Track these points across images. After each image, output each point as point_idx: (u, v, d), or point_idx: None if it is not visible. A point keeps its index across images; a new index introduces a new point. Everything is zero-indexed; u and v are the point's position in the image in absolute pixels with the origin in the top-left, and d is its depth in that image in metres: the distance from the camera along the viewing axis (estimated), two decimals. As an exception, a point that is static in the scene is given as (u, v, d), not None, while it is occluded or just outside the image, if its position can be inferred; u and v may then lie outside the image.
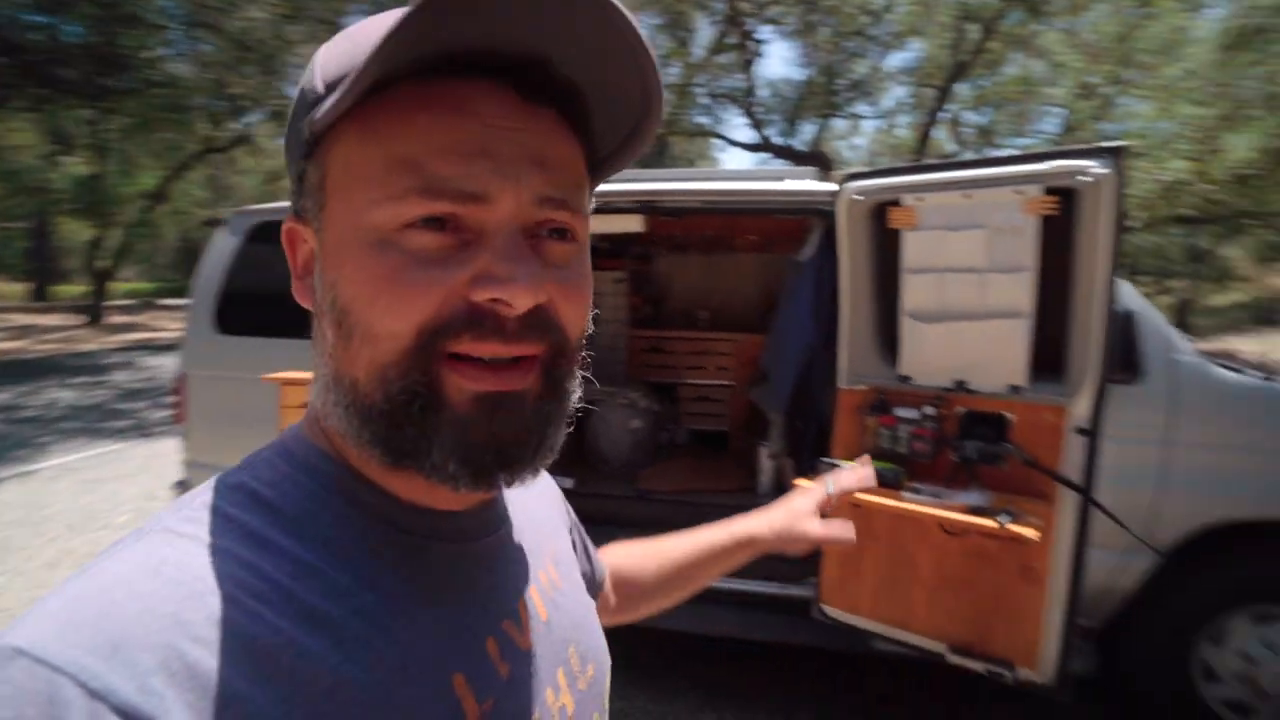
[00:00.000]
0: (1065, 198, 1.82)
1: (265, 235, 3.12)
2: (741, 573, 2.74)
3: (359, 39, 0.38)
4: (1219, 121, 8.47)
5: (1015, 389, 2.02)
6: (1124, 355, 2.24)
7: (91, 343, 14.33)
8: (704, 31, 14.98)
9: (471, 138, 0.36)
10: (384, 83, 0.34)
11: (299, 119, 0.39)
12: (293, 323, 2.96)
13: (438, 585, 0.42)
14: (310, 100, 0.38)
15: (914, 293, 2.10)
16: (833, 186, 2.19)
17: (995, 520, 1.78)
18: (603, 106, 0.40)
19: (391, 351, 0.36)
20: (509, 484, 0.39)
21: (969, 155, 15.13)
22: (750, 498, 3.23)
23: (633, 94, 0.39)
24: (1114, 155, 1.72)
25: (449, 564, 0.43)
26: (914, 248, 2.07)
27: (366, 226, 0.36)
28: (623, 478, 3.51)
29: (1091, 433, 1.87)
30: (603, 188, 2.64)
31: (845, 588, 2.28)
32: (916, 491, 1.99)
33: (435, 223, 0.36)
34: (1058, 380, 1.99)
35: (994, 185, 1.88)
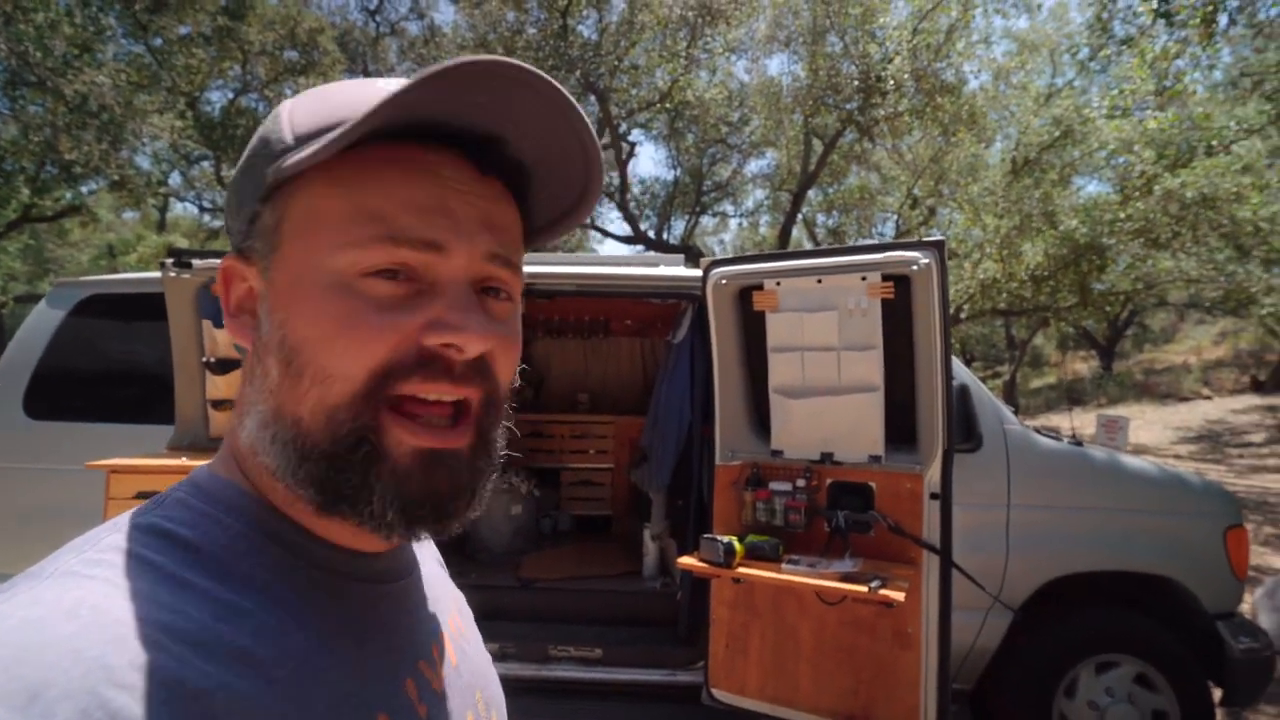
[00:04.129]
0: (901, 284, 2.04)
1: (96, 309, 2.80)
2: (629, 661, 2.63)
3: (334, 100, 0.40)
4: (1014, 231, 10.00)
5: (875, 459, 2.16)
6: (964, 426, 2.48)
7: None
8: (579, 132, 15.80)
9: (433, 196, 0.39)
10: (356, 141, 0.37)
11: (259, 164, 0.40)
12: (123, 405, 2.64)
13: (361, 625, 0.42)
14: (277, 149, 0.39)
15: (779, 370, 2.24)
16: (700, 272, 2.33)
17: (867, 586, 1.86)
18: (545, 185, 0.45)
19: (342, 394, 0.38)
20: (438, 534, 0.42)
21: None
22: (635, 581, 3.17)
23: (574, 180, 0.44)
24: (936, 248, 1.97)
25: (370, 604, 0.44)
26: (777, 328, 2.22)
27: (327, 270, 0.38)
28: (504, 566, 3.33)
29: (944, 497, 2.03)
30: None
31: (733, 668, 2.25)
32: (794, 563, 2.04)
33: (391, 273, 0.39)
34: (912, 450, 2.16)
35: (841, 272, 2.08)
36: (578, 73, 12.08)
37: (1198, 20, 5.50)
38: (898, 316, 2.08)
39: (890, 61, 9.66)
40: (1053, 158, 10.20)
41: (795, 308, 2.18)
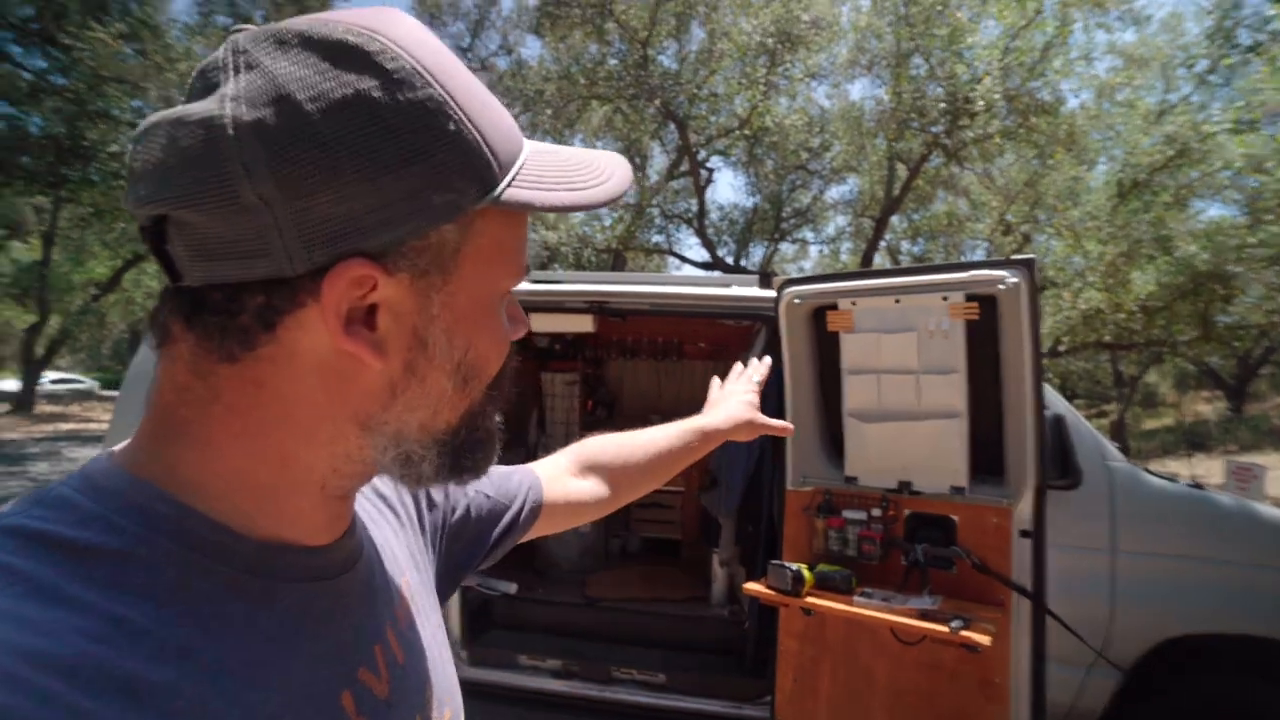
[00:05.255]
0: (986, 305, 1.93)
1: None
2: (692, 689, 2.56)
3: (504, 121, 0.40)
4: (1121, 258, 9.30)
5: (958, 490, 2.04)
6: (1059, 459, 2.30)
7: (14, 431, 13.39)
8: (658, 158, 16.08)
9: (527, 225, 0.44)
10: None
11: (451, 174, 0.36)
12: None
13: (290, 634, 0.39)
14: (481, 168, 0.37)
15: (854, 393, 2.15)
16: (773, 292, 2.29)
17: (948, 626, 1.73)
18: None
19: (481, 393, 0.43)
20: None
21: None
22: (702, 606, 3.10)
23: None
24: (1025, 266, 1.86)
25: (304, 608, 0.40)
26: (852, 349, 2.14)
27: (496, 295, 0.42)
28: (571, 583, 3.34)
29: (1036, 536, 1.88)
30: (554, 288, 2.65)
31: (801, 706, 2.15)
32: (868, 596, 1.93)
33: None
34: (998, 482, 2.02)
35: (921, 291, 1.99)
36: (657, 101, 12.31)
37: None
38: (983, 340, 1.96)
39: (979, 82, 9.31)
40: (1166, 179, 9.46)
41: (872, 328, 2.10)
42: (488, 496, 0.68)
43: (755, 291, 2.84)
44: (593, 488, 0.80)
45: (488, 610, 2.95)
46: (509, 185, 0.38)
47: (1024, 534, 1.94)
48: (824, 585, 1.98)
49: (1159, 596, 2.28)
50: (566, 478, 0.79)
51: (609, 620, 2.95)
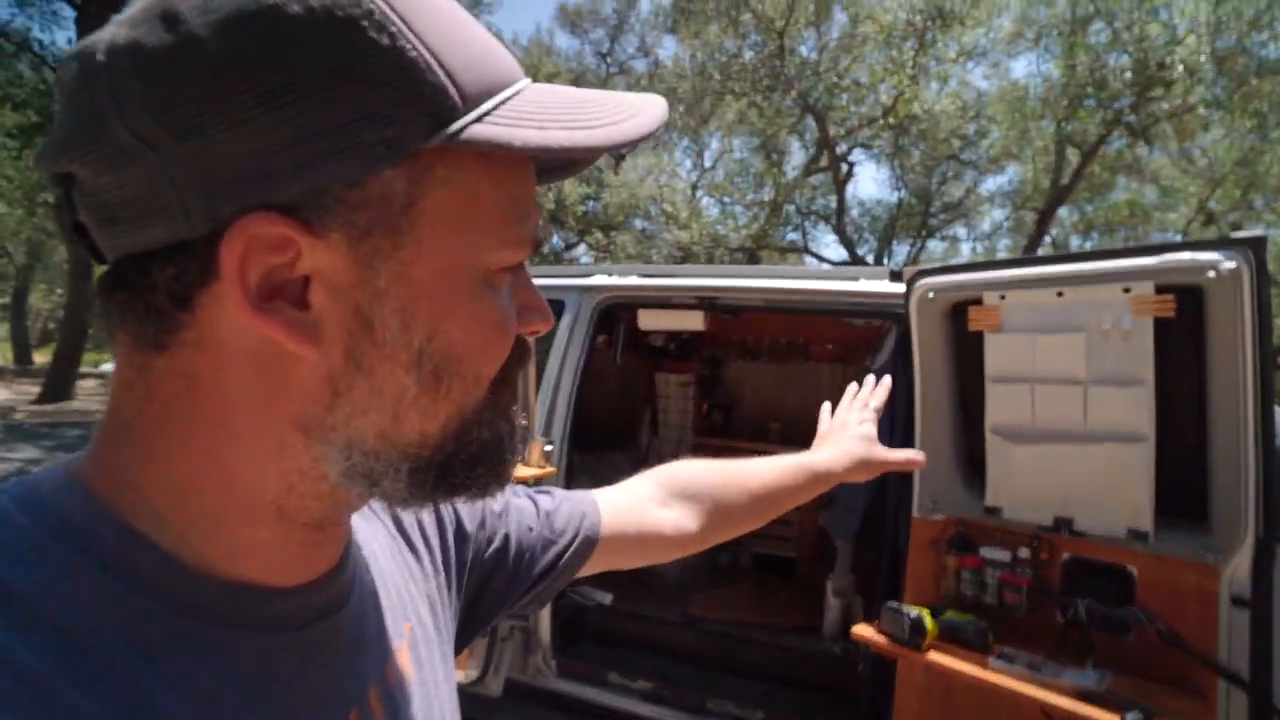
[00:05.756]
0: (1187, 299, 1.49)
1: None
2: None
3: (484, 49, 0.33)
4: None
5: (1139, 535, 1.60)
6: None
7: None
8: (796, 153, 15.49)
9: (533, 186, 0.36)
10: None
11: (389, 103, 0.29)
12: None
13: (242, 700, 0.32)
14: (432, 97, 0.29)
15: (1000, 406, 1.77)
16: (904, 286, 1.95)
17: (1121, 715, 1.34)
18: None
19: (478, 396, 0.35)
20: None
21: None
22: (814, 639, 2.78)
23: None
24: (1249, 247, 1.41)
25: (262, 665, 0.33)
26: (999, 353, 1.76)
27: (481, 268, 0.33)
28: (672, 600, 3.15)
29: (1257, 607, 1.43)
30: (660, 282, 2.45)
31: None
32: (1007, 659, 1.56)
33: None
34: (1198, 529, 1.57)
35: (1094, 282, 1.58)
36: (793, 92, 11.83)
37: None
38: (1180, 343, 1.53)
39: (1179, 43, 7.98)
40: None
41: (1025, 328, 1.72)
42: (530, 529, 0.59)
43: (884, 286, 2.48)
44: (678, 520, 0.70)
45: (581, 619, 2.83)
46: (477, 121, 0.30)
47: (1238, 602, 1.49)
48: (952, 637, 1.63)
49: None
50: (648, 505, 0.70)
51: (710, 644, 2.73)
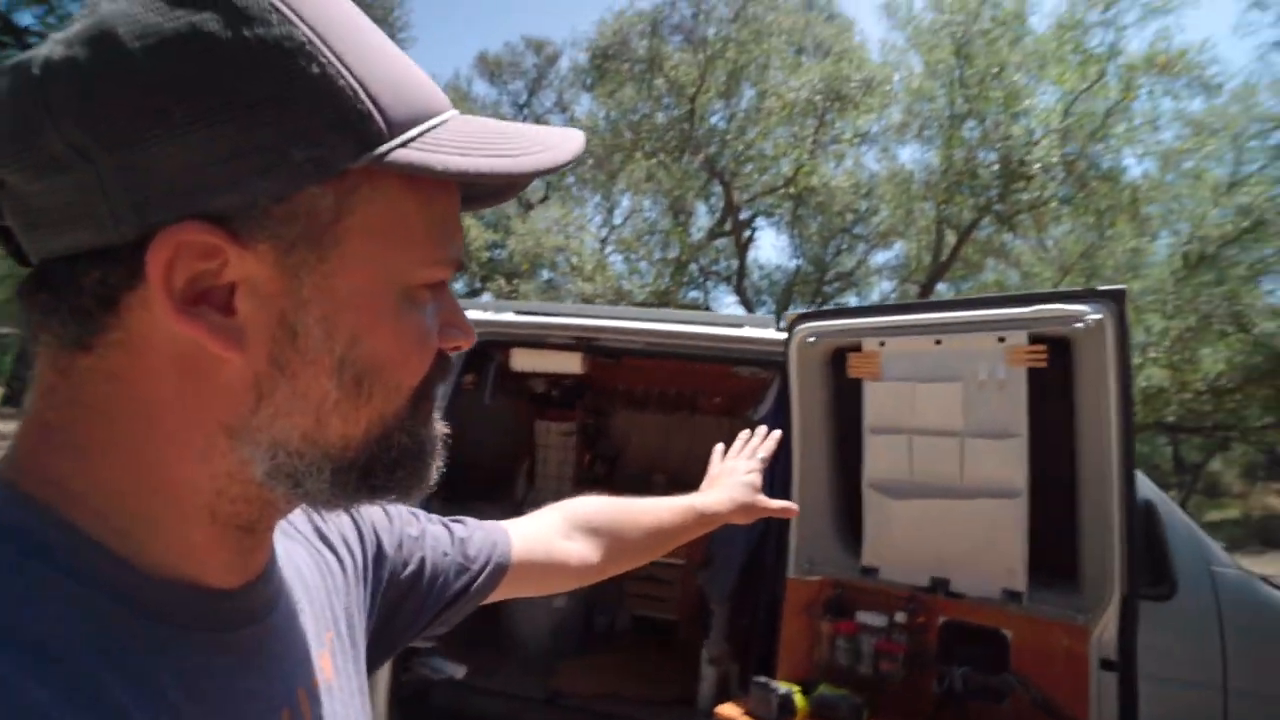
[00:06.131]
0: (1057, 350, 1.46)
1: None
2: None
3: (406, 77, 0.34)
4: (1189, 333, 8.68)
5: (1013, 595, 1.53)
6: (1150, 561, 1.77)
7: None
8: (703, 216, 16.02)
9: (457, 206, 0.38)
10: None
11: (320, 132, 0.30)
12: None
13: (182, 700, 0.32)
14: (357, 122, 0.31)
15: (878, 458, 1.68)
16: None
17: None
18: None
19: (399, 404, 0.36)
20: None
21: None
22: (690, 715, 2.55)
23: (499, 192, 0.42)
24: (1113, 300, 1.40)
25: (202, 665, 0.34)
26: (878, 402, 1.68)
27: (404, 283, 0.35)
28: (535, 671, 2.84)
29: (1124, 669, 1.36)
30: (535, 320, 2.30)
31: None
32: (883, 737, 1.42)
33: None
34: (1068, 588, 1.51)
35: (971, 330, 1.54)
36: (701, 156, 12.27)
37: None
38: (1051, 395, 1.49)
39: (1035, 144, 8.91)
40: (1239, 254, 8.83)
41: (904, 376, 1.65)
42: (445, 554, 0.61)
43: (769, 334, 2.41)
44: (580, 552, 0.73)
45: (425, 698, 2.47)
46: (402, 145, 0.32)
47: (1106, 665, 1.42)
48: (824, 715, 1.47)
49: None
50: (554, 536, 0.72)
51: (571, 721, 2.44)
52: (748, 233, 14.92)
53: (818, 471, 1.83)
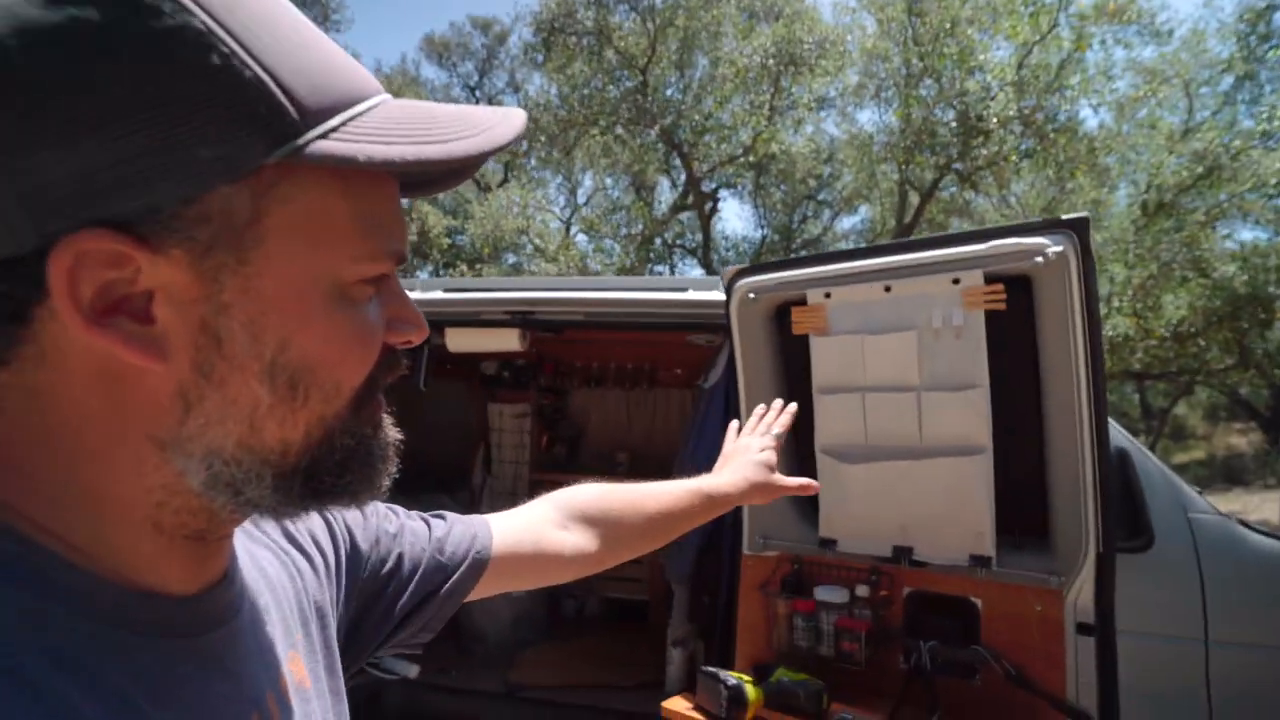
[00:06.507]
0: (1017, 288, 1.32)
1: None
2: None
3: (327, 62, 0.32)
4: (1150, 281, 8.76)
5: (981, 560, 1.40)
6: (1125, 512, 1.66)
7: None
8: (666, 191, 15.78)
9: (396, 200, 0.37)
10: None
11: (227, 128, 0.28)
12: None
13: (153, 701, 0.32)
14: (268, 114, 0.29)
15: (830, 421, 1.54)
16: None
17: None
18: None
19: (340, 405, 0.35)
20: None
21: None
22: (655, 696, 2.43)
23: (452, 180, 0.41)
24: (1074, 229, 1.25)
25: (163, 670, 0.33)
26: (826, 359, 1.53)
27: (335, 282, 0.33)
28: (494, 664, 2.68)
29: (1102, 632, 1.24)
30: (469, 296, 2.18)
31: None
32: (845, 725, 1.29)
33: (376, 279, 0.36)
34: (1040, 548, 1.39)
35: (922, 273, 1.39)
36: (657, 128, 12.01)
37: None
38: (1014, 340, 1.35)
39: (992, 99, 8.85)
40: (1196, 200, 8.91)
41: (853, 328, 1.50)
42: (423, 550, 0.59)
43: (714, 295, 2.25)
44: (576, 541, 0.71)
45: (377, 701, 2.31)
46: (321, 137, 0.30)
47: (1083, 628, 1.30)
48: (781, 704, 1.33)
49: (1276, 711, 1.61)
50: (544, 527, 0.70)
51: (531, 716, 2.30)
52: (711, 204, 14.73)
53: (769, 439, 1.68)
